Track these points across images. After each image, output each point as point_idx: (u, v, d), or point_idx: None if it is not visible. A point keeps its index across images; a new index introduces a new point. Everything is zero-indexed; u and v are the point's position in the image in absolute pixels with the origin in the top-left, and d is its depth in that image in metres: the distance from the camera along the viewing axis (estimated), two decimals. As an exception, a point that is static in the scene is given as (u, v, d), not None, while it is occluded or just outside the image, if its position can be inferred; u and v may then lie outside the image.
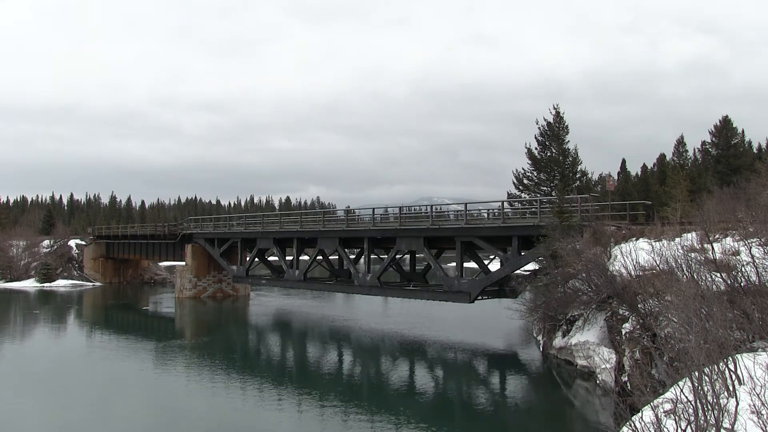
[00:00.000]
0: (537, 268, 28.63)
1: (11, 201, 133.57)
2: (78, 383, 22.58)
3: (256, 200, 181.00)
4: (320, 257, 42.73)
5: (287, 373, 25.19)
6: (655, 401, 9.17)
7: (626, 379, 17.25)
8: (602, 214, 27.57)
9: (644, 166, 69.75)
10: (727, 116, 53.46)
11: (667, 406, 9.07)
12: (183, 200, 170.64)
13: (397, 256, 35.95)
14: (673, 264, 17.56)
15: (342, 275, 42.21)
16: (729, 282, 15.43)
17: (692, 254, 17.78)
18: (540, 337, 28.52)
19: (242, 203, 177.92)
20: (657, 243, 20.85)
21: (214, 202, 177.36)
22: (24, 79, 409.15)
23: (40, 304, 49.23)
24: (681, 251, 18.30)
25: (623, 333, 19.12)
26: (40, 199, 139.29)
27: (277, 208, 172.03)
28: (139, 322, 41.03)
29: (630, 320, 19.10)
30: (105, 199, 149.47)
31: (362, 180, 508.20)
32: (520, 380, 24.36)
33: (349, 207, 71.40)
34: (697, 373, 8.17)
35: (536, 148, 44.50)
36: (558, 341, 24.84)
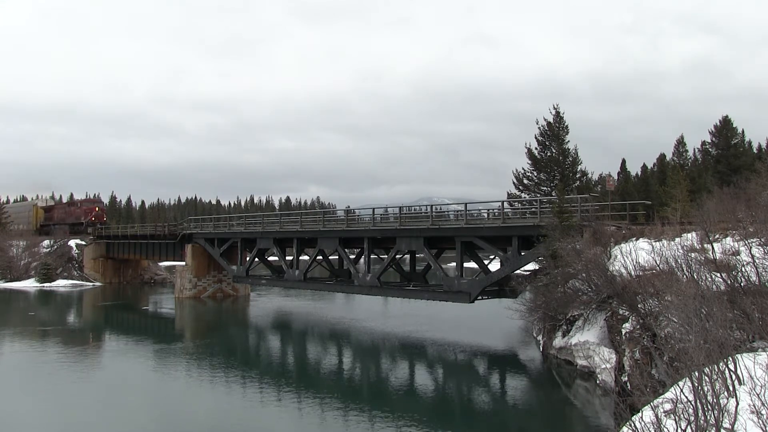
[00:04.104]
0: (537, 268, 28.62)
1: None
2: (77, 384, 22.58)
3: (256, 200, 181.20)
4: (320, 257, 42.74)
5: (287, 373, 25.18)
6: (655, 401, 9.17)
7: (626, 379, 17.25)
8: (602, 214, 27.56)
9: (644, 166, 69.85)
10: (727, 116, 53.49)
11: (667, 406, 9.07)
12: (183, 200, 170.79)
13: (397, 256, 35.95)
14: (673, 264, 17.55)
15: (342, 275, 42.21)
16: (729, 282, 15.43)
17: (692, 254, 17.77)
18: (540, 337, 28.52)
19: (242, 203, 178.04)
20: (657, 243, 20.84)
21: (214, 202, 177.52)
22: (24, 79, 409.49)
23: (39, 304, 49.24)
24: (681, 251, 18.29)
25: (623, 333, 19.12)
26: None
27: (277, 208, 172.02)
28: (139, 322, 41.03)
29: (630, 320, 19.10)
30: (105, 199, 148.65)
31: (363, 180, 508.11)
32: (520, 380, 24.36)
33: (349, 207, 71.41)
34: (697, 373, 8.17)
35: (536, 148, 44.52)
36: (558, 341, 24.84)
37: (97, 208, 73.89)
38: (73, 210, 75.29)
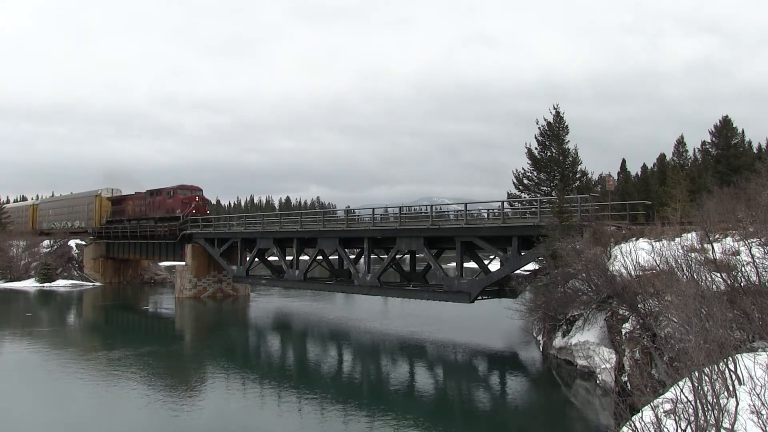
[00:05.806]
0: (537, 268, 28.62)
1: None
2: (76, 385, 22.54)
3: (256, 200, 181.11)
4: (320, 257, 42.73)
5: (287, 373, 25.18)
6: (655, 401, 9.17)
7: (626, 379, 17.25)
8: (602, 214, 27.56)
9: (644, 166, 69.81)
10: (727, 116, 53.49)
11: (667, 406, 9.06)
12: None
13: (397, 256, 35.94)
14: (673, 264, 17.54)
15: (342, 275, 42.20)
16: (729, 282, 15.43)
17: (692, 254, 17.76)
18: (540, 337, 28.51)
19: (242, 203, 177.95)
20: (657, 243, 20.84)
21: (214, 202, 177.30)
22: (24, 79, 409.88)
23: (39, 304, 49.21)
24: (681, 251, 18.28)
25: (623, 333, 19.12)
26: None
27: (277, 208, 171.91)
28: (139, 322, 41.01)
29: (630, 320, 19.10)
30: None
31: (363, 180, 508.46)
32: (520, 380, 24.36)
33: (349, 207, 71.36)
34: (697, 373, 8.17)
35: (536, 148, 44.51)
36: (558, 341, 24.84)
37: (197, 198, 55.59)
38: (161, 201, 56.94)
